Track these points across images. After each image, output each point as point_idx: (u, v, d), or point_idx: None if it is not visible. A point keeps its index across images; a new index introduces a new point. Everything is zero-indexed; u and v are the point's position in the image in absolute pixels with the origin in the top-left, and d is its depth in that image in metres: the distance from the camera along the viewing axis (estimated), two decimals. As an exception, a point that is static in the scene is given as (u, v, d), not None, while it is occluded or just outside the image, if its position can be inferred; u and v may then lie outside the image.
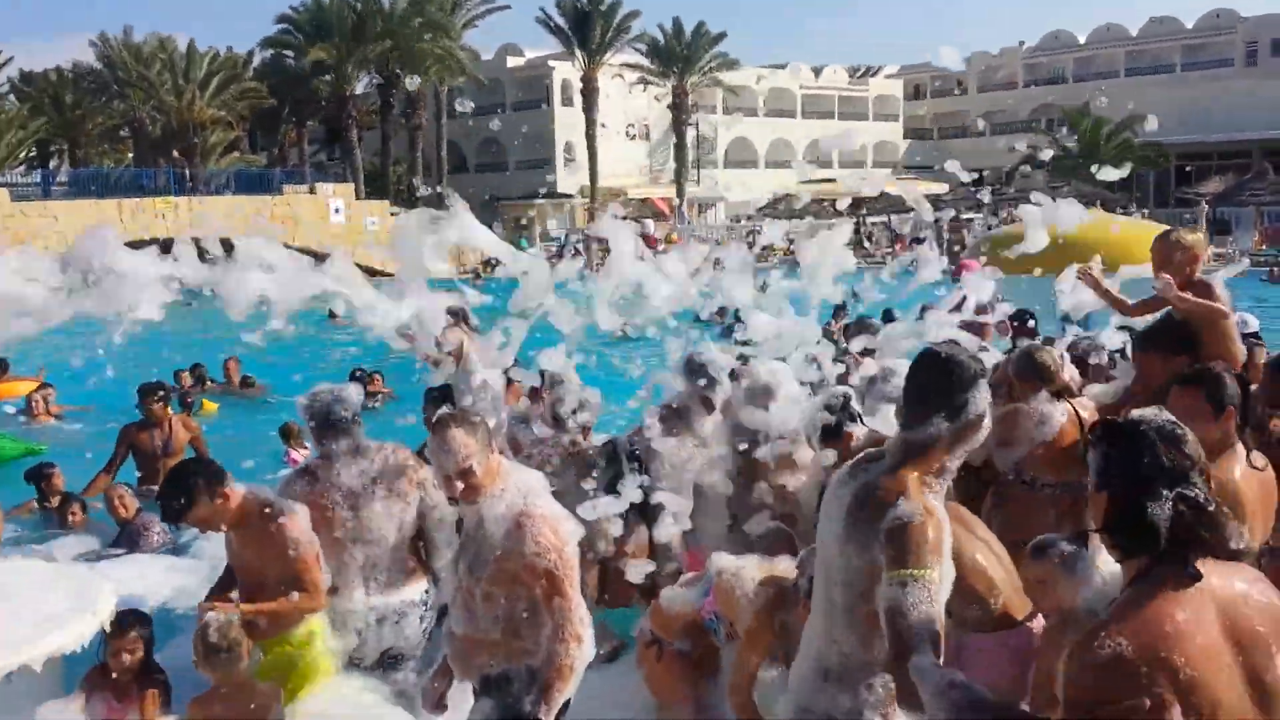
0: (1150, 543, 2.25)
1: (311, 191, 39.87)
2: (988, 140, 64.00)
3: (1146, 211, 38.05)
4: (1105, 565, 3.39)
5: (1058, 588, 3.61)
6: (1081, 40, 68.42)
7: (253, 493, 4.66)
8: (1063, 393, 5.20)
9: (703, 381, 5.48)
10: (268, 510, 4.53)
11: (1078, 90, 60.47)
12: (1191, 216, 34.93)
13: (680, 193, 52.14)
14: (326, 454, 4.82)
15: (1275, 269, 27.87)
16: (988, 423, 2.90)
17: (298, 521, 4.54)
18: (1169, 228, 5.77)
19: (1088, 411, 5.27)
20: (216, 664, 4.24)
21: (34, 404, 12.83)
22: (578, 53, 51.27)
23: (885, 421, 5.28)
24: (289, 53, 50.11)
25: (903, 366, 5.70)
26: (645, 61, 53.34)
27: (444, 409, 4.24)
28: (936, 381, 2.89)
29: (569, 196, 54.43)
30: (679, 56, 52.79)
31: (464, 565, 3.74)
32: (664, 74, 53.27)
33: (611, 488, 4.95)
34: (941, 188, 54.85)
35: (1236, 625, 2.22)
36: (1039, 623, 3.77)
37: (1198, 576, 2.21)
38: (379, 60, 47.06)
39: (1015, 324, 8.13)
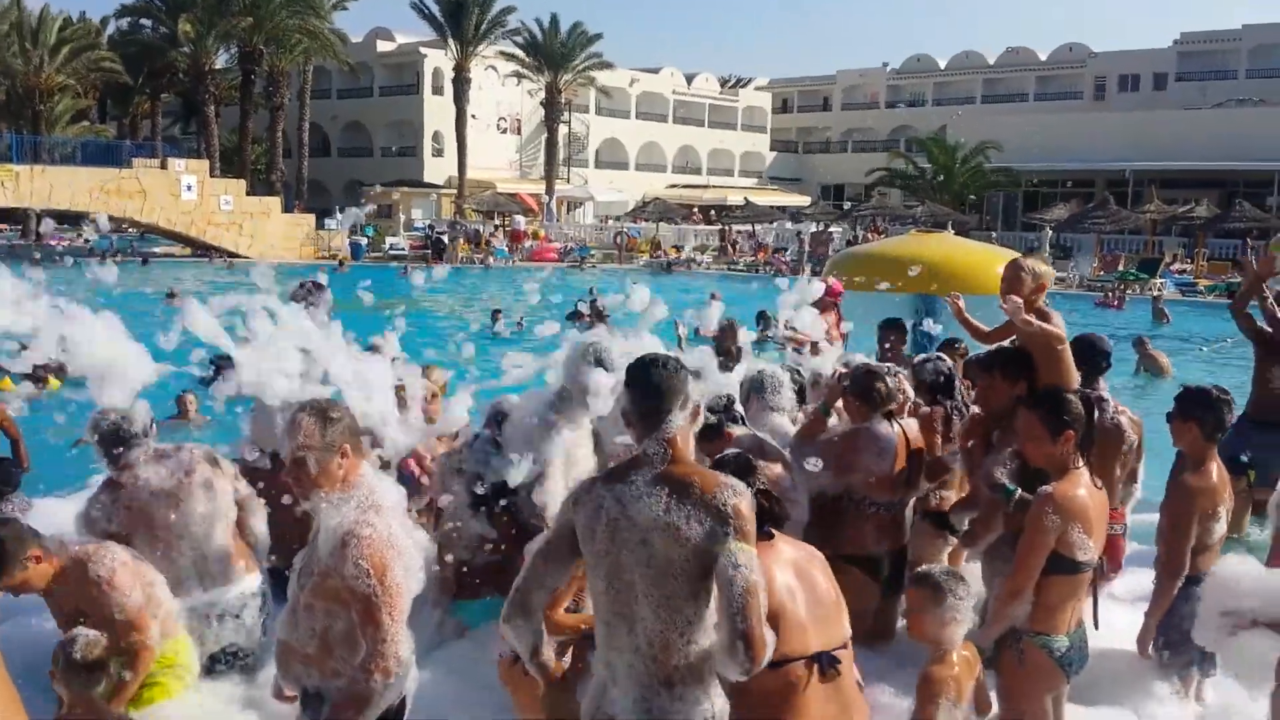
0: None
1: (163, 166, 38.28)
2: (849, 157, 65.85)
3: (995, 234, 39.61)
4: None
5: (924, 617, 3.74)
6: (942, 65, 70.92)
7: (69, 551, 4.28)
8: (893, 414, 5.38)
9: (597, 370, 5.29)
10: (85, 571, 4.21)
11: (937, 114, 62.70)
12: (1037, 240, 36.50)
13: (550, 189, 51.91)
14: (125, 464, 4.64)
15: (1109, 295, 29.34)
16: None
17: (118, 576, 4.22)
18: (1018, 255, 5.99)
19: (914, 433, 5.47)
20: (73, 682, 3.94)
21: None
22: (450, 41, 50.58)
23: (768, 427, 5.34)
24: (147, 21, 48.05)
25: (786, 377, 5.79)
26: (520, 54, 52.99)
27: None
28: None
29: (436, 186, 53.68)
30: (554, 53, 52.58)
31: (295, 570, 3.61)
32: (538, 69, 53.00)
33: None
34: (804, 200, 56.22)
35: None
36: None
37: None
38: (242, 35, 45.48)
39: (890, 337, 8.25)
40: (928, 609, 3.76)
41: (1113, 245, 37.13)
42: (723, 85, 72.01)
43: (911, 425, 5.46)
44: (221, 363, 6.51)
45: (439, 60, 54.71)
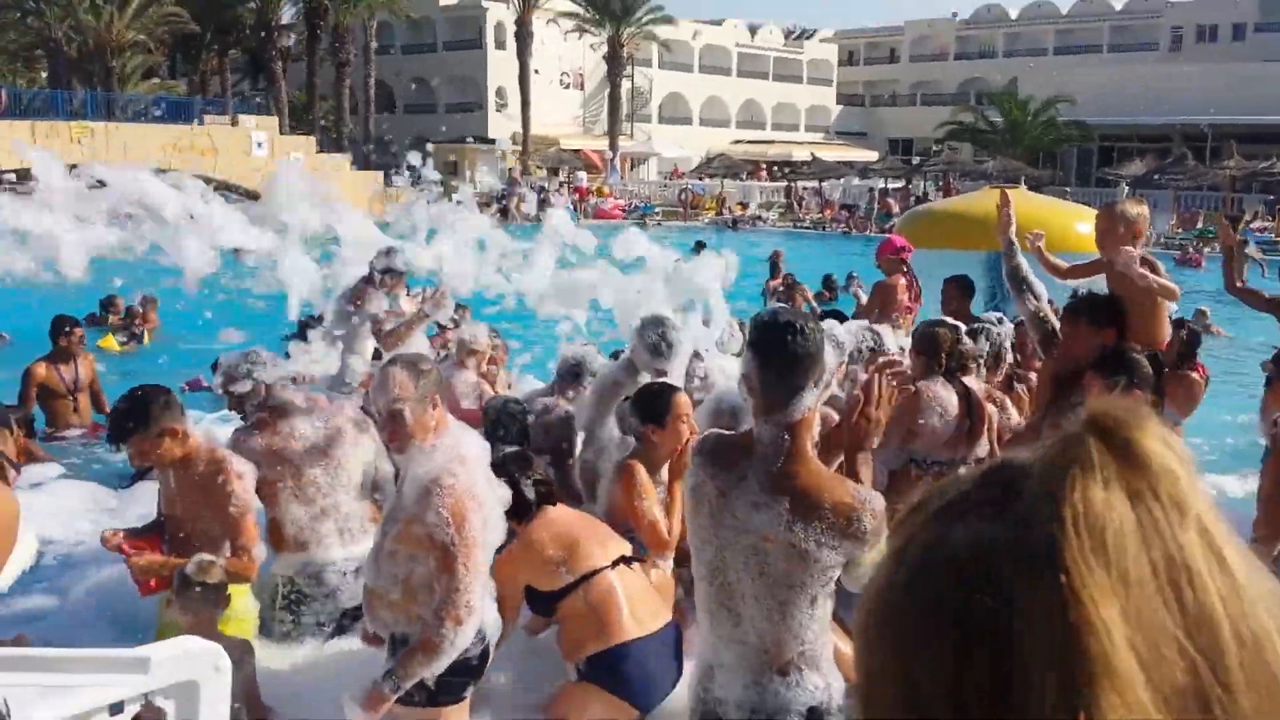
0: None
1: (234, 123, 38.72)
2: (917, 111, 64.67)
3: (1069, 191, 38.78)
4: None
5: None
6: (1013, 16, 69.21)
7: (208, 439, 4.55)
8: (955, 370, 5.30)
9: (661, 348, 5.37)
10: (218, 460, 4.41)
11: (1007, 65, 61.29)
12: (1113, 197, 35.61)
13: (613, 145, 51.71)
14: (279, 408, 4.75)
15: (1188, 252, 28.66)
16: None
17: (244, 481, 4.43)
18: (1112, 201, 5.80)
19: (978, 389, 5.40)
20: (188, 602, 4.09)
21: None
22: (513, -5, 50.41)
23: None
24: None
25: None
26: (581, 10, 52.62)
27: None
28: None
29: (493, 143, 53.72)
30: (615, 6, 52.17)
31: (384, 516, 3.75)
32: (599, 23, 52.63)
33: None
34: (871, 155, 55.43)
35: None
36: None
37: None
38: (309, -10, 45.69)
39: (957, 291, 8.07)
40: None
41: (1190, 202, 36.21)
42: (787, 37, 70.96)
43: (975, 382, 5.42)
44: (310, 321, 6.68)
45: (501, 14, 54.50)
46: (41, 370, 8.57)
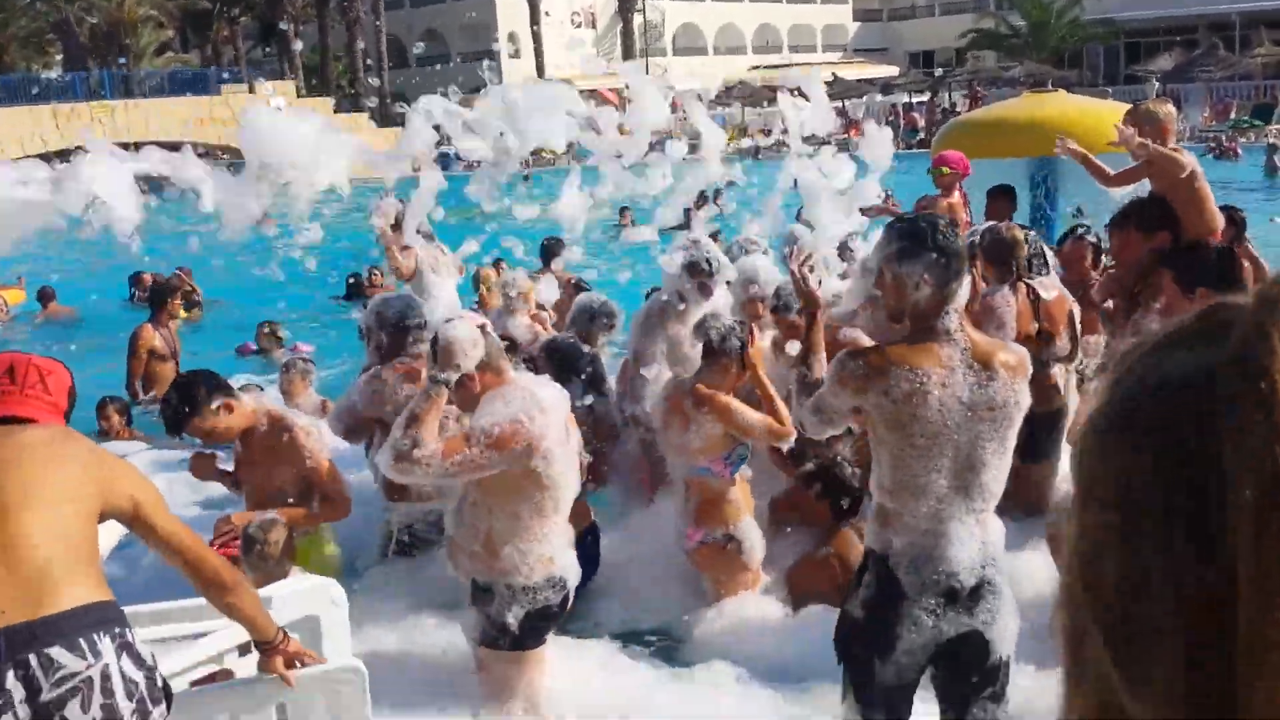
0: None
1: (251, 91, 38.61)
2: (937, 21, 63.36)
3: (1110, 90, 38.04)
4: None
5: None
6: (1029, -86, 67.37)
7: (262, 404, 4.66)
8: (1020, 277, 5.28)
9: (703, 268, 5.46)
10: (279, 421, 4.52)
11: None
12: (1143, 94, 34.99)
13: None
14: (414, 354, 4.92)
15: (1221, 145, 28.12)
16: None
17: (312, 436, 4.54)
18: (1137, 102, 5.74)
19: (1047, 293, 5.37)
20: (251, 561, 4.21)
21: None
22: (519, -64, 49.68)
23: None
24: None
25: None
26: (588, -55, 51.86)
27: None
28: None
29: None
30: (623, -61, 51.36)
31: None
32: (608, -42, 51.86)
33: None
34: (892, 70, 54.47)
35: None
36: None
37: None
38: (313, -51, 45.26)
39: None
40: None
41: (1223, 93, 35.44)
42: (799, -43, 69.49)
43: (1044, 283, 5.38)
44: (358, 281, 6.70)
45: (508, -43, 53.85)
46: (149, 335, 8.64)
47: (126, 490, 2.37)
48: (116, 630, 2.21)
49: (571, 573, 3.79)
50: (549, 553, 3.68)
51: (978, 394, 3.01)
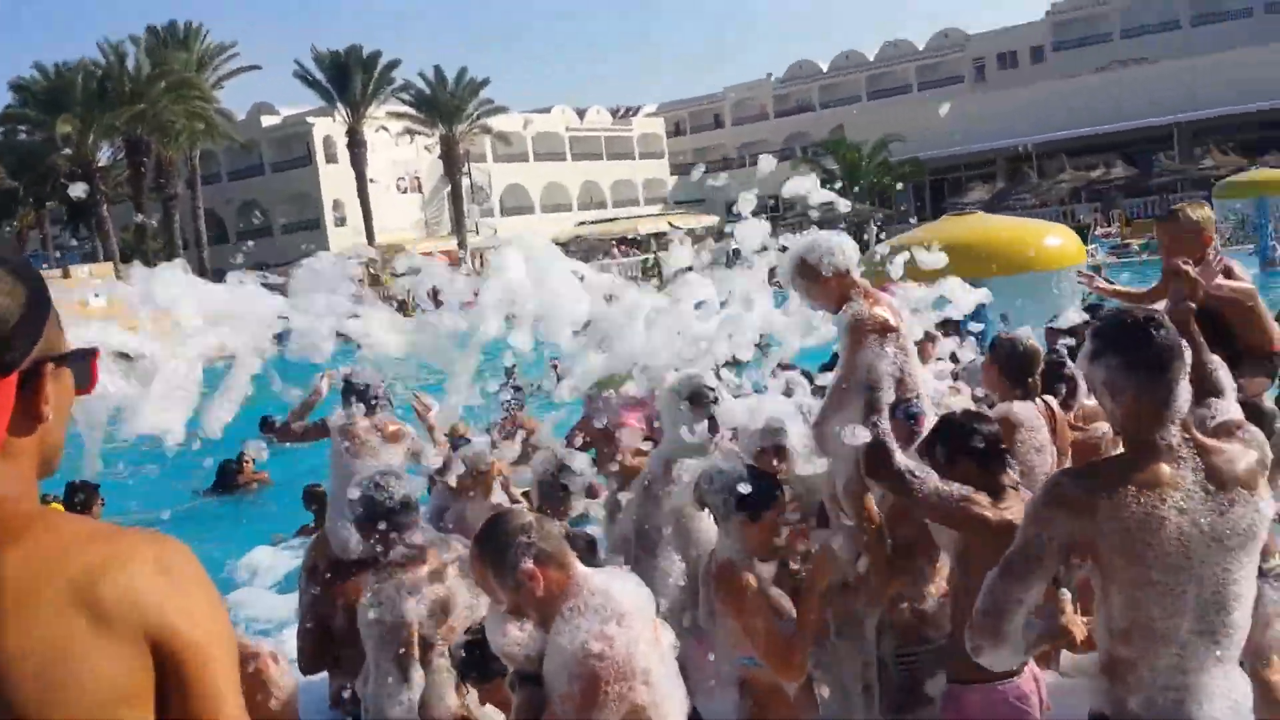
0: None
1: (65, 275, 36.49)
2: (748, 171, 66.12)
3: (915, 220, 39.97)
4: None
5: None
6: (824, 68, 71.85)
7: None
8: (1031, 390, 4.86)
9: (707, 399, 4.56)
10: None
11: (827, 116, 63.35)
12: (966, 224, 36.88)
13: (462, 244, 50.99)
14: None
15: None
16: None
17: None
18: (1173, 208, 5.41)
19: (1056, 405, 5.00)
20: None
21: None
22: (340, 106, 49.51)
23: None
24: (23, 127, 46.09)
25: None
26: (411, 110, 52.11)
27: None
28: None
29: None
30: (446, 105, 51.84)
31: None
32: (431, 123, 52.19)
33: None
34: (712, 220, 56.16)
35: None
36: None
37: None
38: (126, 128, 43.84)
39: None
40: None
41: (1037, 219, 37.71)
42: (614, 116, 71.90)
43: (1048, 398, 4.98)
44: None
45: (328, 127, 53.53)
46: None
47: None
48: None
49: None
50: None
51: (1225, 521, 2.52)
